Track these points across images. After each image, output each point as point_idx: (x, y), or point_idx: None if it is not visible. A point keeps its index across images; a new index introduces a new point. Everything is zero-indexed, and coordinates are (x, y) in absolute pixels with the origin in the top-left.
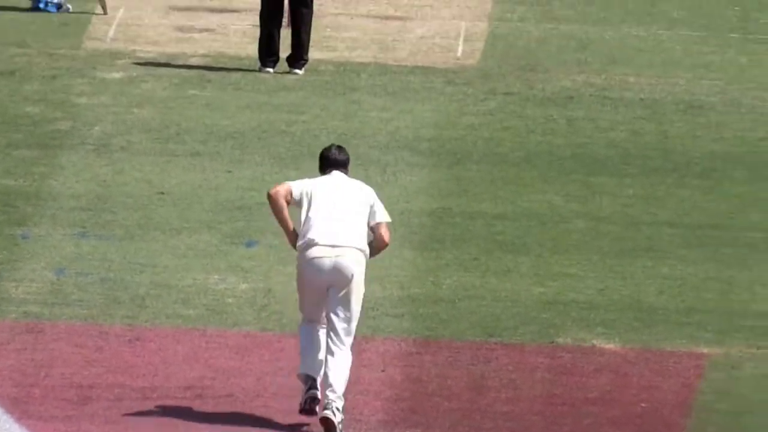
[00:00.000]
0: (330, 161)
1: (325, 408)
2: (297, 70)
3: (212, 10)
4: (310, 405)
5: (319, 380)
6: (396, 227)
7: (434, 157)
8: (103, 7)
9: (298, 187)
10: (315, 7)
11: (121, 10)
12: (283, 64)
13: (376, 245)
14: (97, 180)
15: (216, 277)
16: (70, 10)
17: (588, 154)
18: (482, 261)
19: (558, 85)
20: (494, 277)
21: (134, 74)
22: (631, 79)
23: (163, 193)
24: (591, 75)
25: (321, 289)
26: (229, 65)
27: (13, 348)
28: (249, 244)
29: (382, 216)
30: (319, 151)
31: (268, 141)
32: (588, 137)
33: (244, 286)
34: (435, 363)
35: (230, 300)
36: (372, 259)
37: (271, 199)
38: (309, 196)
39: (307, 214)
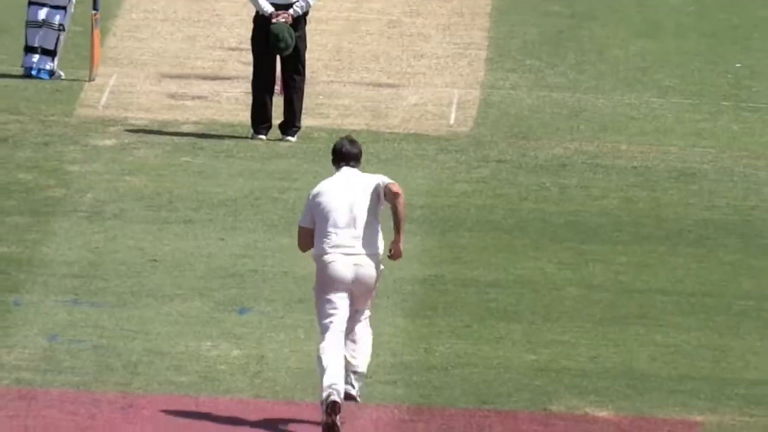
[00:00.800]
0: (341, 155)
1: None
2: (290, 138)
3: (204, 78)
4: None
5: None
6: (389, 294)
7: (427, 224)
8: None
9: (307, 218)
10: (307, 75)
11: (114, 77)
12: (275, 131)
13: (393, 206)
14: (89, 247)
15: (208, 343)
16: (63, 77)
17: (581, 222)
18: (475, 328)
19: (550, 152)
20: (487, 345)
21: (126, 141)
22: (623, 147)
23: (155, 260)
24: (583, 142)
25: (341, 291)
26: (221, 132)
27: (5, 415)
28: (241, 311)
29: (384, 179)
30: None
31: (261, 208)
32: (581, 205)
33: (236, 352)
34: (428, 430)
35: (223, 367)
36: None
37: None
38: (319, 207)
39: (319, 223)
